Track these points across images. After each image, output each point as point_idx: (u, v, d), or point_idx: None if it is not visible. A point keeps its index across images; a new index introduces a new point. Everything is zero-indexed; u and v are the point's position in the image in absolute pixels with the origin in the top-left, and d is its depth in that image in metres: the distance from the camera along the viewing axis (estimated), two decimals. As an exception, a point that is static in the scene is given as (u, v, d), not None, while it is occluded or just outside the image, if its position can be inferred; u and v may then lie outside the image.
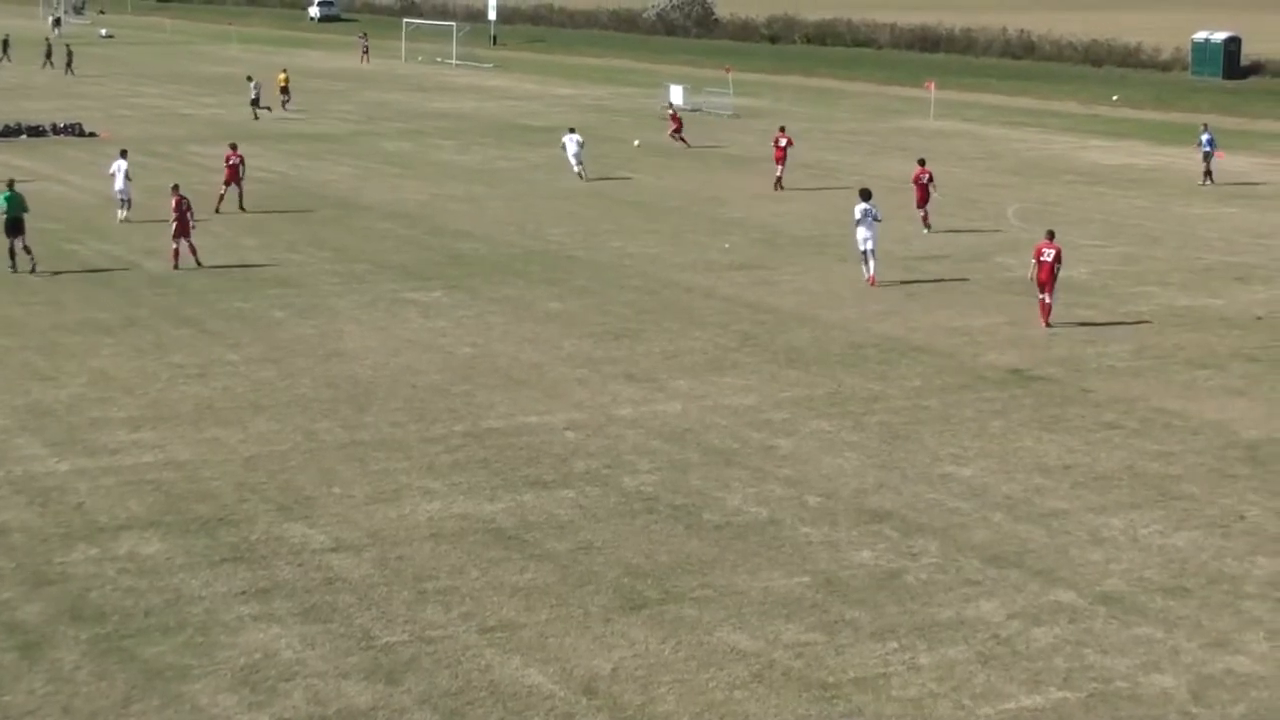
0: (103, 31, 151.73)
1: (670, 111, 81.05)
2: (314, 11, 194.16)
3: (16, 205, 47.42)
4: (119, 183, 55.44)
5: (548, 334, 39.60)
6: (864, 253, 45.82)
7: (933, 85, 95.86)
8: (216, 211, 55.63)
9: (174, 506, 27.26)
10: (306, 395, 34.10)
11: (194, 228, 48.15)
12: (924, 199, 53.81)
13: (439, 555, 25.16)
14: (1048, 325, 40.69)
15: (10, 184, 48.57)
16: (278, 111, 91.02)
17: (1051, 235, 41.56)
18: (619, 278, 46.57)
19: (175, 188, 48.50)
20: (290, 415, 32.61)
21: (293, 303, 42.93)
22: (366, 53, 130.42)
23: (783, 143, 64.13)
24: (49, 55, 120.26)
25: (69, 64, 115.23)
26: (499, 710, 20.06)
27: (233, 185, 57.58)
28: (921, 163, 54.75)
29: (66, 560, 24.83)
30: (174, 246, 47.55)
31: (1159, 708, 20.26)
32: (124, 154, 56.95)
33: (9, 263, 47.01)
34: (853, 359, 37.43)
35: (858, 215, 45.30)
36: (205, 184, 59.52)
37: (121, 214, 55.68)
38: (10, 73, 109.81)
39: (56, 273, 46.65)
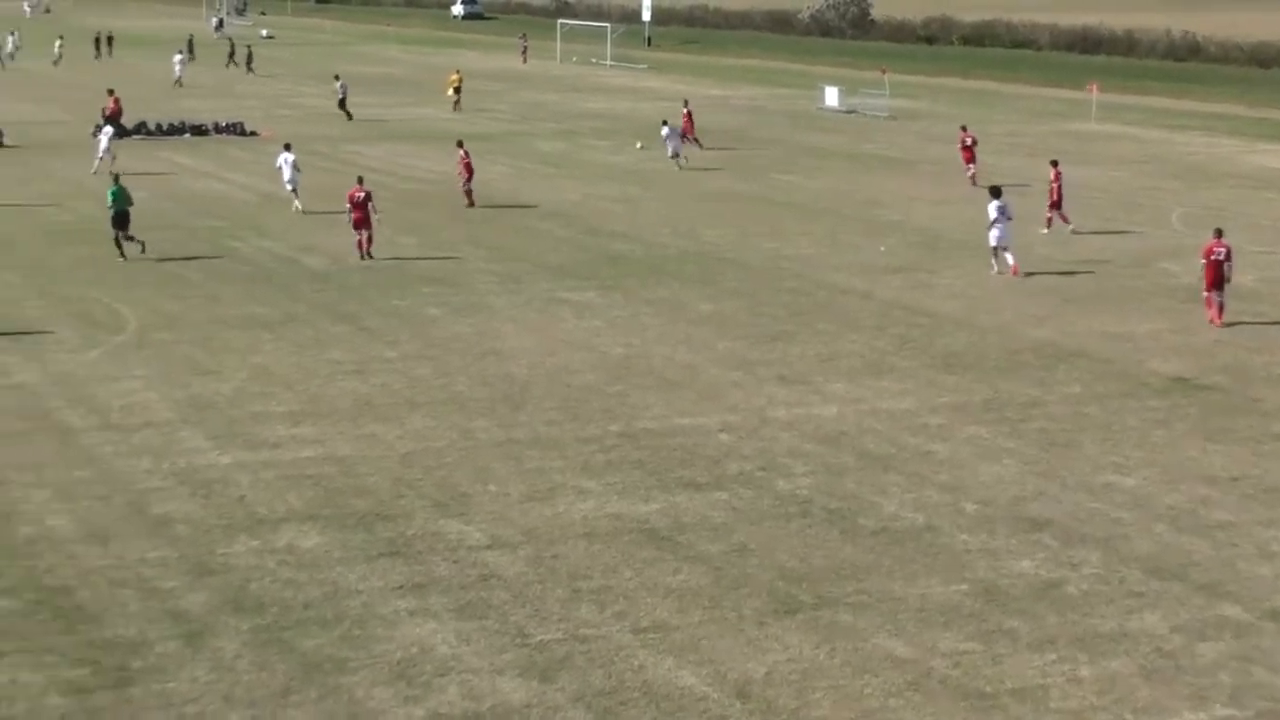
0: (264, 32, 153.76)
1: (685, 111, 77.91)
2: (457, 10, 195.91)
3: (122, 199, 48.88)
4: (287, 174, 56.67)
5: (702, 335, 39.60)
6: (995, 249, 47.05)
7: (1095, 87, 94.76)
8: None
9: (332, 501, 27.58)
10: (463, 393, 34.35)
11: (378, 218, 49.47)
12: (1059, 201, 53.57)
13: (593, 554, 25.25)
14: (1220, 324, 40.24)
15: (116, 178, 50.22)
16: (448, 112, 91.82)
17: (1220, 234, 41.69)
18: (773, 279, 46.47)
19: (359, 180, 50.11)
20: (447, 413, 32.86)
21: (450, 301, 43.25)
22: (525, 53, 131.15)
23: (968, 141, 64.76)
24: (232, 55, 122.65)
25: (249, 63, 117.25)
26: (652, 711, 20.09)
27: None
28: (1054, 164, 54.30)
29: (228, 551, 25.20)
30: (357, 237, 49.08)
31: (1326, 725, 19.92)
32: (288, 146, 58.15)
33: (118, 253, 48.40)
34: (1010, 364, 37.10)
35: (993, 214, 46.59)
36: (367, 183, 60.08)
37: (297, 204, 56.77)
38: (192, 71, 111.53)
39: (162, 259, 47.95)
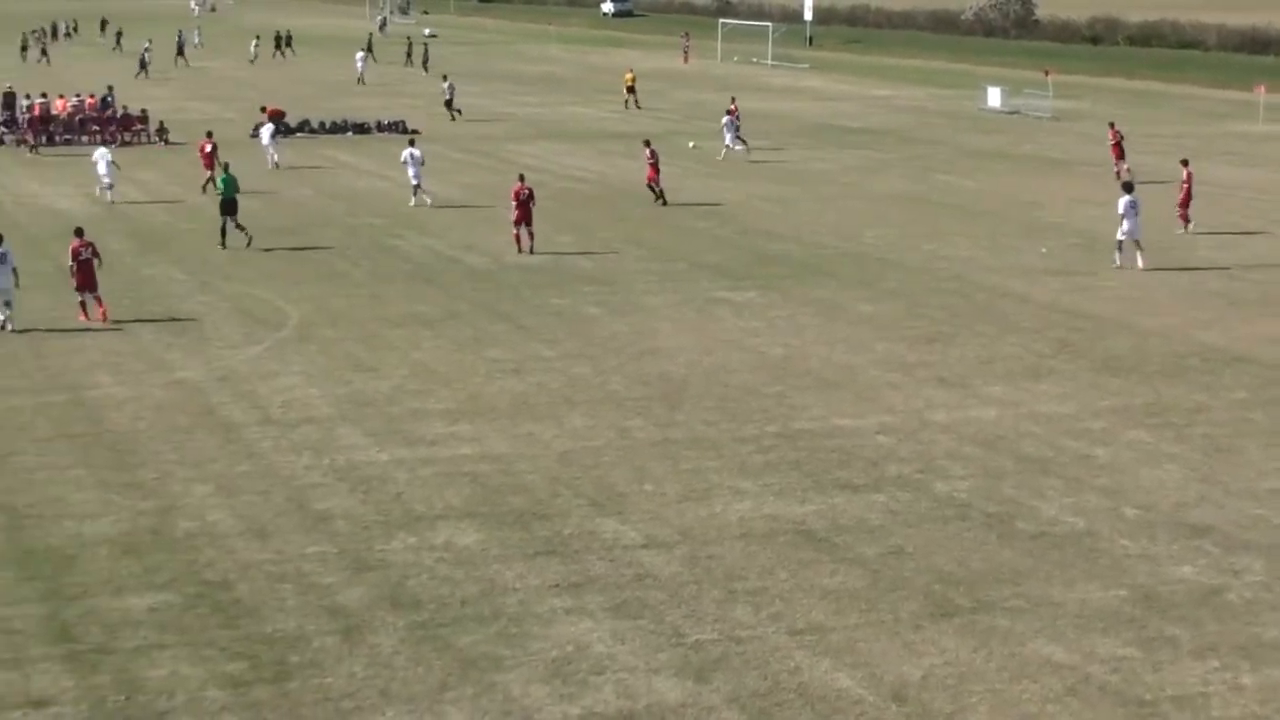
0: (427, 31, 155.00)
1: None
2: (607, 7, 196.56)
3: (231, 187, 50.65)
4: (411, 170, 58.00)
5: (860, 336, 39.41)
6: (1120, 242, 47.88)
7: (1263, 89, 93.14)
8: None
9: (490, 499, 27.74)
10: (620, 392, 34.43)
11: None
12: (1188, 199, 53.26)
13: (749, 555, 25.20)
14: None
15: (226, 166, 52.24)
16: (621, 110, 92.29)
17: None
18: (932, 281, 46.17)
19: (521, 178, 50.72)
20: (604, 412, 32.96)
21: (607, 300, 43.38)
22: (687, 53, 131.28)
23: (1116, 139, 64.69)
24: (409, 54, 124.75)
25: (425, 62, 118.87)
26: (808, 713, 20.02)
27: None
28: (1184, 163, 53.86)
29: (386, 548, 25.43)
30: (514, 232, 49.86)
31: None
32: (412, 141, 59.06)
33: (220, 240, 50.19)
34: (1174, 368, 36.56)
35: (1121, 209, 47.54)
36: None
37: (414, 200, 58.11)
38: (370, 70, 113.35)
39: (268, 249, 49.13)
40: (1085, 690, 20.64)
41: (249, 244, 49.93)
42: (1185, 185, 53.00)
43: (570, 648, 21.83)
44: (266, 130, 69.59)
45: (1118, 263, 47.54)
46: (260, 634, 22.20)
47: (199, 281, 45.54)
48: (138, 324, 40.23)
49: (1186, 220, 52.83)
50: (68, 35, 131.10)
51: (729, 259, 49.49)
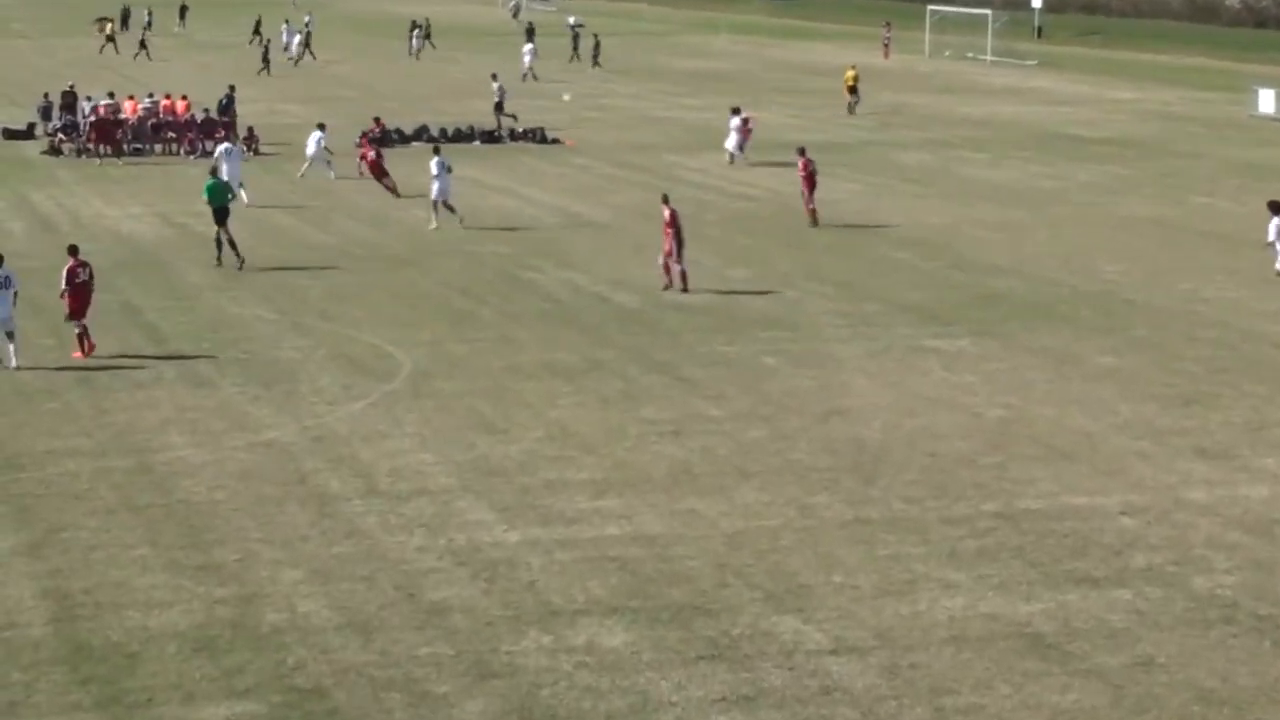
0: (571, 20, 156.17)
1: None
2: None
3: (220, 194, 53.53)
4: (437, 185, 58.95)
5: (1100, 395, 39.06)
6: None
7: None
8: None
9: (642, 589, 27.70)
10: (802, 461, 34.33)
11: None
12: None
13: (961, 664, 24.99)
14: None
15: (213, 171, 56.73)
16: (844, 115, 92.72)
17: None
18: (1189, 328, 45.73)
19: (665, 199, 50.68)
20: (783, 485, 32.87)
21: (787, 348, 43.32)
22: (888, 46, 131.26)
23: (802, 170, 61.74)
24: (575, 47, 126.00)
25: (595, 56, 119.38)
26: None
27: None
28: None
29: (515, 649, 25.42)
30: (663, 262, 49.76)
31: None
32: (437, 149, 60.97)
33: (216, 256, 52.76)
34: None
35: (1271, 234, 51.70)
36: (688, 200, 60.55)
37: (435, 221, 58.58)
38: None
39: (267, 269, 48.86)
40: (1383, 841, 20.23)
41: (240, 266, 51.81)
42: None
43: (739, 776, 21.73)
44: (314, 138, 70.14)
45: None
46: (361, 753, 22.29)
47: (291, 322, 46.00)
48: (217, 372, 40.69)
49: None
50: (146, 26, 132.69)
51: (936, 298, 49.30)
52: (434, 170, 58.82)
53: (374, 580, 28.04)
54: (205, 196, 53.13)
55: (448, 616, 26.61)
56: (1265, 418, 37.38)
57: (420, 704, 23.66)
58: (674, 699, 23.87)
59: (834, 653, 25.37)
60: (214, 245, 52.23)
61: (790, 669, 24.82)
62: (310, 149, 69.89)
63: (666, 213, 49.44)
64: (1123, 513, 31.37)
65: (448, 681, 24.34)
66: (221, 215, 52.62)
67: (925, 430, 36.38)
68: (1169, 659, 25.19)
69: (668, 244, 49.66)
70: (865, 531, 30.41)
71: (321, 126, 72.23)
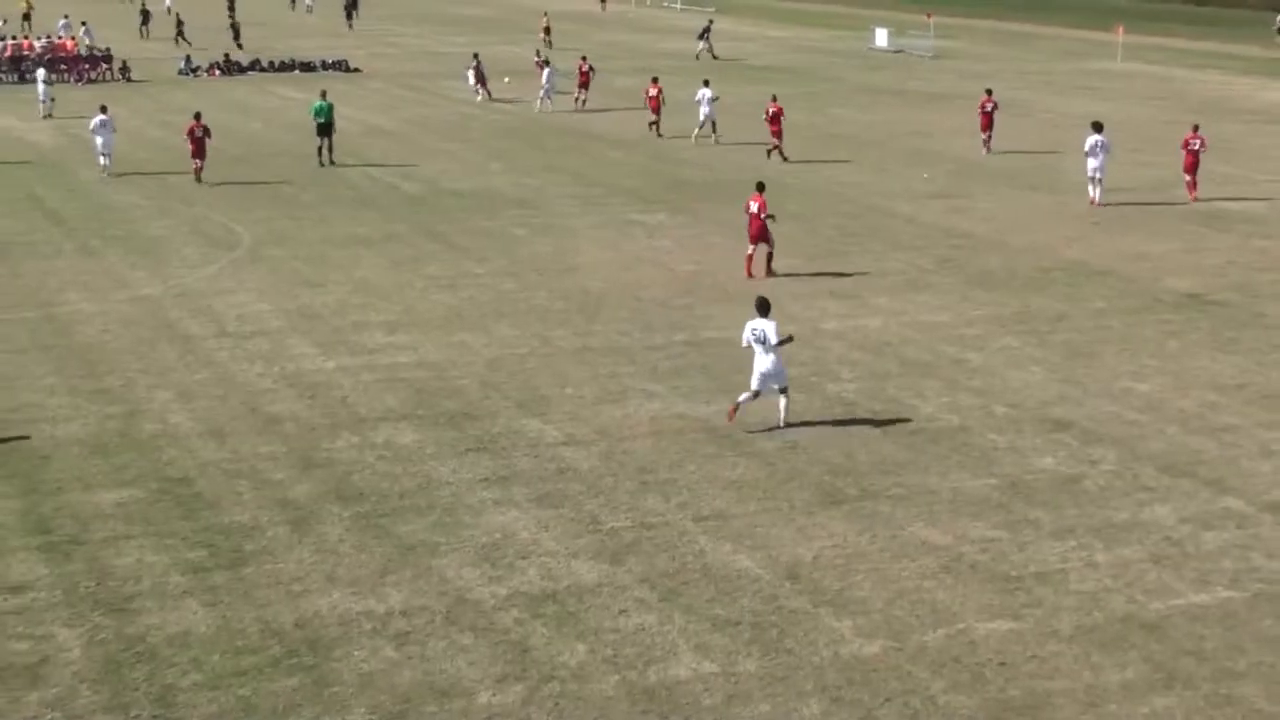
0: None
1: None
2: None
3: (327, 112, 52.33)
4: (100, 139, 50.89)
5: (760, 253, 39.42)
6: (1091, 179, 46.48)
7: (1120, 29, 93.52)
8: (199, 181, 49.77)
9: (425, 401, 27.72)
10: (543, 305, 34.40)
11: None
12: (1193, 164, 47.32)
13: (659, 450, 25.30)
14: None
15: (323, 94, 53.73)
16: (538, 49, 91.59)
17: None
18: (829, 204, 46.25)
19: (759, 187, 37.74)
20: (528, 323, 32.93)
21: (532, 222, 43.26)
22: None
23: (989, 107, 57.35)
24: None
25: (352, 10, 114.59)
26: (711, 590, 20.18)
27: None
28: (1194, 128, 48.24)
29: (332, 447, 25.38)
30: (748, 252, 37.39)
31: (1320, 608, 19.85)
32: (104, 109, 51.45)
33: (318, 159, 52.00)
34: (1040, 282, 36.85)
35: (1088, 146, 46.08)
36: (457, 115, 60.02)
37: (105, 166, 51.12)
38: (292, 16, 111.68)
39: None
40: (958, 568, 20.90)
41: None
42: (1191, 151, 47.39)
43: (498, 535, 21.89)
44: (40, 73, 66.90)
45: (1090, 196, 46.36)
46: (218, 525, 22.15)
47: (159, 207, 45.11)
48: (104, 245, 39.87)
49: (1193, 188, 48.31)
50: None
51: (642, 184, 49.39)
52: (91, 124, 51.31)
53: (226, 399, 27.79)
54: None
55: (281, 424, 26.48)
56: (881, 268, 37.99)
57: (262, 488, 23.56)
58: (450, 480, 23.98)
59: (566, 444, 25.59)
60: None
61: (535, 456, 25.01)
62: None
63: (755, 203, 37.00)
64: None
65: (282, 471, 24.27)
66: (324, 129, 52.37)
67: (634, 281, 36.56)
68: (809, 442, 25.67)
69: (752, 229, 37.19)
70: (590, 356, 30.60)
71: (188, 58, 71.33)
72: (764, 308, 26.16)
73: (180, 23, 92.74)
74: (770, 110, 54.04)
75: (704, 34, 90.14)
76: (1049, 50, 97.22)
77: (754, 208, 36.87)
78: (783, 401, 26.35)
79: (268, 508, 22.79)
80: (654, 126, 60.03)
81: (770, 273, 37.10)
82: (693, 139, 57.57)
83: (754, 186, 38.01)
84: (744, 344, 26.28)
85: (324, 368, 29.70)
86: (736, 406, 26.19)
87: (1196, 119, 53.64)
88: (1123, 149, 53.54)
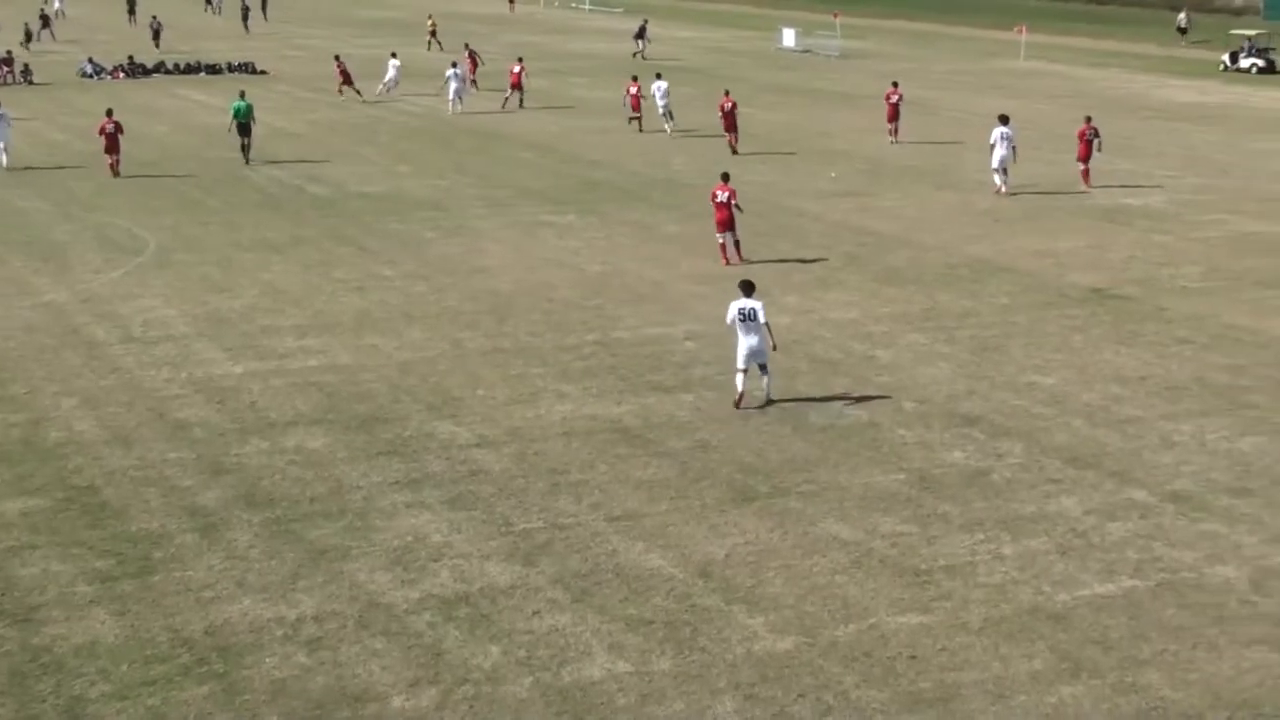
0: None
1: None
2: None
3: (246, 112, 52.54)
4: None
5: (670, 254, 39.53)
6: (998, 169, 47.63)
7: (1024, 29, 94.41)
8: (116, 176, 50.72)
9: (336, 405, 27.55)
10: (454, 307, 34.29)
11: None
12: (1087, 153, 49.14)
13: (571, 451, 25.28)
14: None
15: (241, 94, 53.88)
16: (437, 51, 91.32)
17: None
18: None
19: (724, 177, 39.00)
20: (439, 325, 32.82)
21: (441, 224, 43.12)
22: (513, 0, 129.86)
23: (894, 99, 59.15)
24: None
25: (263, 8, 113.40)
26: (624, 590, 20.19)
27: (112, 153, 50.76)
28: (1087, 119, 50.13)
29: (241, 452, 25.18)
30: (719, 243, 38.62)
31: (1221, 596, 20.08)
32: None
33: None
34: (947, 278, 37.12)
35: (994, 138, 47.52)
36: (365, 118, 59.68)
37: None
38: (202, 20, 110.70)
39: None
40: (868, 562, 21.01)
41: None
42: (1085, 141, 49.21)
43: (410, 538, 21.80)
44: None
45: (995, 186, 47.85)
46: (126, 533, 21.93)
47: (63, 212, 44.59)
48: (6, 250, 39.37)
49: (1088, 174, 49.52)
50: None
51: (551, 185, 49.35)
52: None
53: (132, 405, 27.52)
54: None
55: (189, 430, 26.24)
56: (789, 266, 38.13)
57: (170, 495, 23.34)
58: (361, 483, 23.86)
59: (478, 445, 25.53)
60: None
61: (447, 459, 24.94)
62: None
63: (727, 190, 38.19)
64: (686, 339, 31.88)
65: (191, 478, 24.05)
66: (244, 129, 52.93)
67: (544, 283, 36.52)
68: (720, 442, 25.75)
69: (719, 218, 38.36)
70: (501, 358, 30.52)
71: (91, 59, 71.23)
72: (748, 288, 27.34)
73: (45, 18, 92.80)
74: (725, 105, 56.16)
75: (640, 34, 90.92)
76: (955, 50, 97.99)
77: (722, 196, 37.98)
78: (765, 379, 27.42)
79: (176, 515, 22.57)
80: (635, 123, 61.06)
81: (741, 260, 38.00)
82: (669, 132, 59.96)
83: (719, 177, 39.09)
84: (728, 321, 27.35)
85: (233, 373, 29.45)
86: (741, 394, 27.20)
87: (1098, 115, 54.22)
88: (1026, 146, 54.00)
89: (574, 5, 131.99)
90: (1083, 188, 48.45)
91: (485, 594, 20.07)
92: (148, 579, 20.43)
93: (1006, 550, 21.42)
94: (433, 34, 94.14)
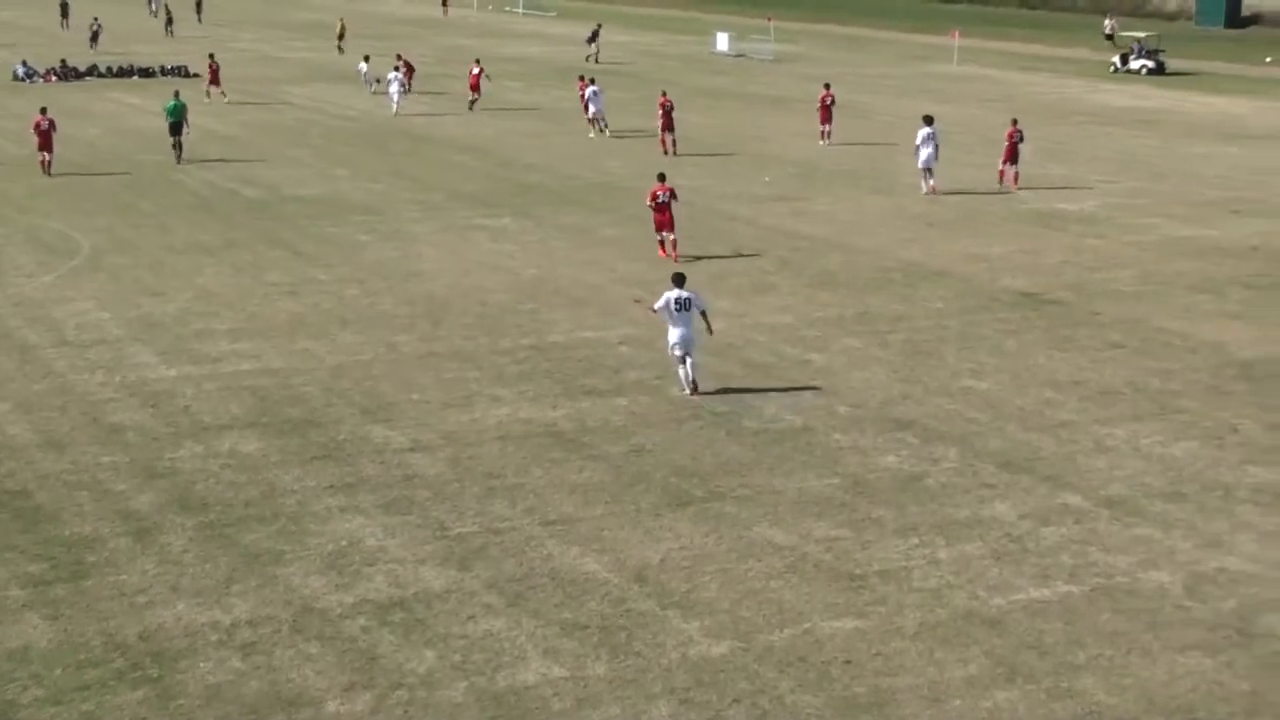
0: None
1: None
2: None
3: (178, 111, 52.86)
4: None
5: (605, 258, 39.54)
6: (924, 170, 48.50)
7: (956, 34, 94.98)
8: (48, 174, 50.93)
9: (270, 409, 27.41)
10: (388, 311, 34.17)
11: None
12: (1011, 154, 49.90)
13: (506, 455, 25.24)
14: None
15: (176, 94, 54.09)
16: (339, 56, 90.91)
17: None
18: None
19: (660, 177, 40.29)
20: (373, 329, 32.70)
21: (376, 228, 42.98)
22: (446, 2, 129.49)
23: (828, 100, 59.73)
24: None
25: (197, 9, 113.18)
26: (559, 594, 20.17)
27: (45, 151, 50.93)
28: (1014, 122, 50.99)
29: (175, 456, 25.01)
30: (657, 238, 39.88)
31: (1155, 601, 20.23)
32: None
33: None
34: (880, 282, 37.27)
35: (920, 138, 48.27)
36: (298, 120, 59.42)
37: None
38: (124, 22, 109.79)
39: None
40: (803, 567, 21.06)
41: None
42: (1012, 143, 49.91)
43: (345, 542, 21.71)
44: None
45: (924, 189, 48.83)
46: (59, 537, 21.74)
47: (-6, 214, 44.27)
48: (-64, 254, 39.03)
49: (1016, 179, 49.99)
50: None
51: (486, 189, 49.27)
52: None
53: (65, 409, 27.29)
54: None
55: (123, 434, 26.05)
56: (723, 270, 38.18)
57: (103, 499, 23.17)
58: (295, 488, 23.74)
59: (413, 450, 25.45)
60: None
61: (382, 463, 24.85)
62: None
63: (666, 190, 39.35)
64: (621, 343, 31.87)
65: (124, 482, 23.88)
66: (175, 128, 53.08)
67: (478, 286, 36.45)
68: (655, 446, 25.77)
69: (656, 219, 39.60)
70: (435, 361, 30.45)
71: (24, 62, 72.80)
72: (680, 279, 28.38)
73: None
74: (665, 104, 56.91)
75: (592, 38, 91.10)
76: (888, 54, 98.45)
77: (664, 197, 39.16)
78: (690, 365, 28.22)
79: (109, 519, 22.40)
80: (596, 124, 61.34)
81: (677, 259, 38.18)
82: (607, 134, 60.49)
83: (656, 178, 40.16)
84: (655, 307, 28.26)
85: (166, 376, 29.25)
86: (694, 383, 28.14)
87: (1030, 119, 54.56)
88: (958, 150, 54.43)
89: (507, 9, 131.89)
90: (1002, 187, 49.53)
91: (420, 599, 20.01)
92: (81, 583, 20.26)
93: (941, 555, 21.52)
94: (340, 35, 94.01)
